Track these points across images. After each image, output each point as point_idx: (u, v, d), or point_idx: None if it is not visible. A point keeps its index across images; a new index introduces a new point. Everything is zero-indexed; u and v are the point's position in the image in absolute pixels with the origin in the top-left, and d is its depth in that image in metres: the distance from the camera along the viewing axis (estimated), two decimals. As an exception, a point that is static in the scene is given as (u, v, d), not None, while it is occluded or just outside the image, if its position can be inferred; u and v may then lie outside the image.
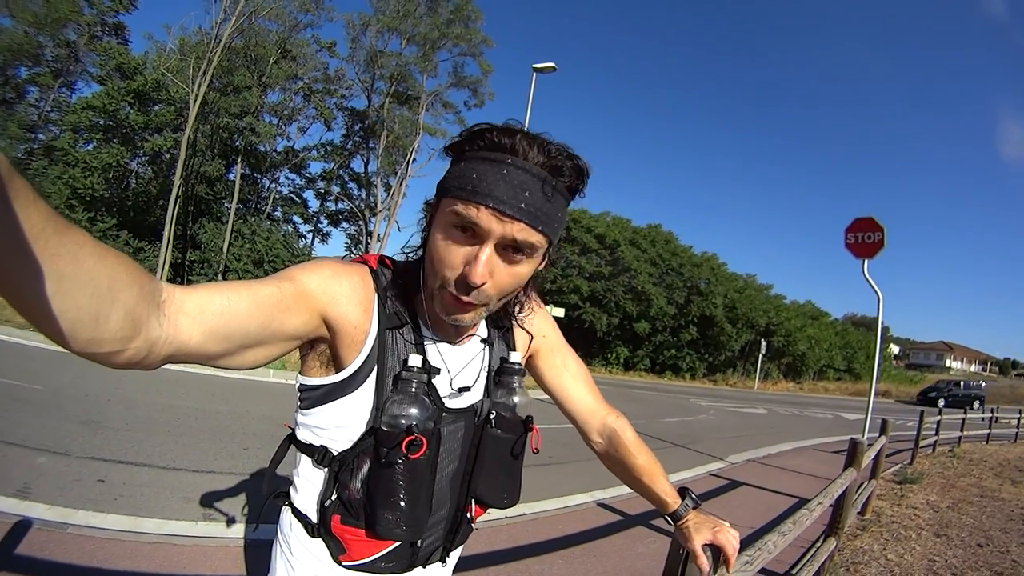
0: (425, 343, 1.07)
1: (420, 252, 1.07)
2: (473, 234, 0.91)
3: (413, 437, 0.95)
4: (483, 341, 1.18)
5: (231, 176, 28.44)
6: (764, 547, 1.93)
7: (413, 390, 0.99)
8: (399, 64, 29.23)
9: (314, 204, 34.69)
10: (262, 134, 27.26)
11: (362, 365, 1.00)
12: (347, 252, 34.86)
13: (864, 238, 7.99)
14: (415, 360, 0.99)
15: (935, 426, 12.27)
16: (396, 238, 30.32)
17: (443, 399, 1.07)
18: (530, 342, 1.28)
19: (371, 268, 1.06)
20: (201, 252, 24.67)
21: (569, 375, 1.36)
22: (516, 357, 1.19)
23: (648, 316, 32.07)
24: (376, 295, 1.03)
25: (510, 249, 0.92)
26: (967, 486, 8.80)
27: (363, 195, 33.56)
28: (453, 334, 1.11)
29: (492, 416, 1.14)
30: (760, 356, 34.71)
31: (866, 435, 7.67)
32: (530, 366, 1.32)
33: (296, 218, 34.15)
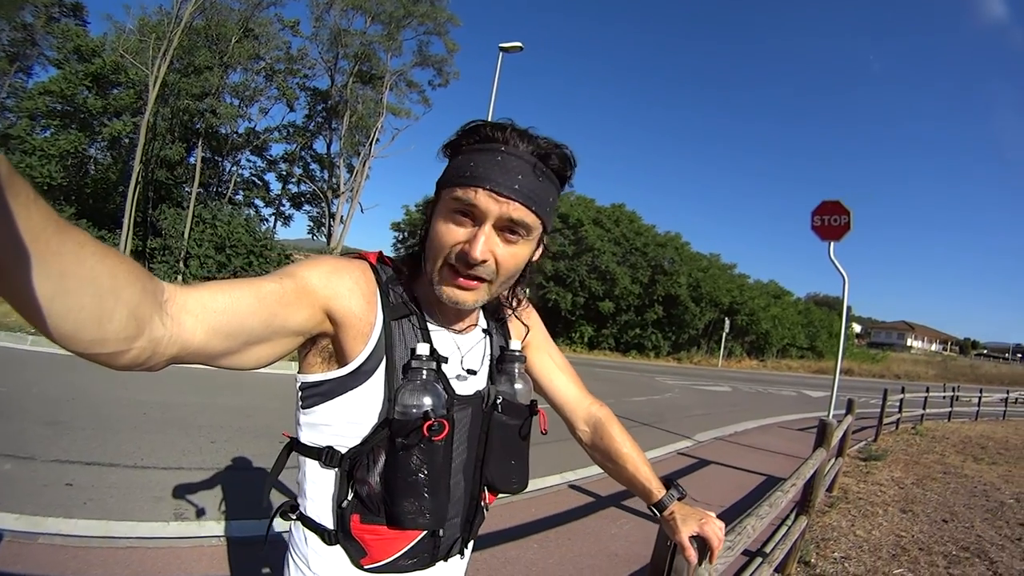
0: (431, 332, 1.09)
1: (419, 245, 1.11)
2: (472, 216, 0.98)
3: (433, 421, 0.97)
4: (484, 331, 1.22)
5: (191, 160, 27.61)
6: (744, 531, 1.99)
7: (424, 378, 1.01)
8: (363, 43, 28.72)
9: (276, 187, 33.86)
10: (223, 116, 26.58)
11: (370, 356, 1.01)
12: (311, 235, 34.45)
13: (830, 221, 8.12)
14: (423, 349, 1.02)
15: (898, 404, 12.57)
16: (359, 220, 30.21)
17: (452, 387, 1.09)
18: (526, 334, 1.32)
19: (371, 263, 1.08)
20: (162, 239, 23.99)
21: (556, 367, 1.41)
22: (516, 345, 1.24)
23: (613, 295, 32.02)
24: (378, 288, 1.05)
25: (507, 230, 0.99)
26: (930, 463, 9.07)
27: (325, 176, 32.97)
28: (455, 322, 1.14)
29: (499, 402, 1.17)
30: (724, 334, 35.08)
31: (832, 413, 7.83)
32: None
33: (258, 201, 33.26)
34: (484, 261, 0.98)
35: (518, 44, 16.78)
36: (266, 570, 3.22)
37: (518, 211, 0.97)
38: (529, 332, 1.33)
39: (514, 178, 0.96)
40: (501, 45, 16.86)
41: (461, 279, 1.00)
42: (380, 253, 1.13)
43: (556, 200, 1.07)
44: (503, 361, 1.22)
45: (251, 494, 4.25)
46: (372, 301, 1.02)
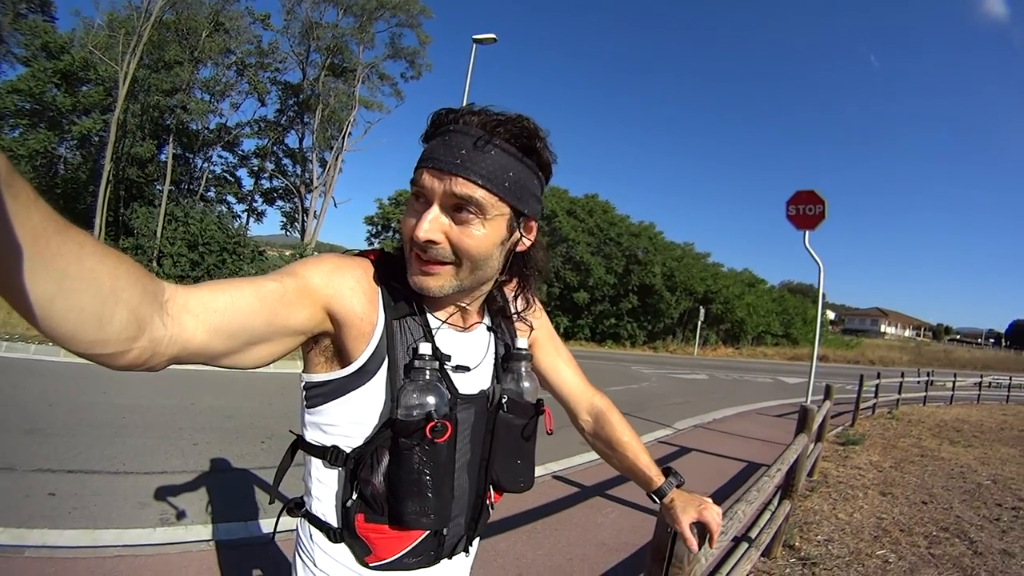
0: (433, 331, 1.08)
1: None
2: (425, 200, 0.98)
3: (435, 422, 0.96)
4: (489, 329, 1.21)
5: (162, 157, 27.15)
6: (735, 516, 2.05)
7: (427, 378, 1.00)
8: (335, 36, 28.49)
9: (248, 182, 33.42)
10: (194, 111, 26.22)
11: (371, 356, 1.01)
12: (284, 230, 34.07)
13: (805, 210, 8.19)
14: (425, 348, 1.01)
15: (874, 389, 12.76)
16: (332, 214, 29.87)
17: (456, 386, 1.08)
18: (530, 333, 1.31)
19: (372, 261, 1.08)
20: (134, 238, 23.59)
21: (562, 362, 1.43)
22: (523, 343, 1.22)
23: (587, 286, 32.04)
24: (380, 287, 1.04)
25: (456, 208, 0.96)
26: (907, 446, 9.24)
27: (298, 171, 32.62)
28: (459, 320, 1.13)
29: (504, 401, 1.16)
30: (699, 323, 35.39)
31: (809, 399, 7.95)
32: None
33: (230, 197, 32.77)
34: (431, 241, 0.96)
35: (492, 36, 16.69)
36: (257, 572, 3.21)
37: (461, 186, 0.94)
38: (535, 329, 1.32)
39: (456, 153, 0.94)
40: (475, 37, 16.77)
41: (423, 264, 0.99)
42: (382, 251, 1.13)
43: (523, 175, 1.01)
44: (509, 359, 1.21)
45: (236, 496, 4.23)
46: (374, 300, 1.02)
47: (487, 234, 0.99)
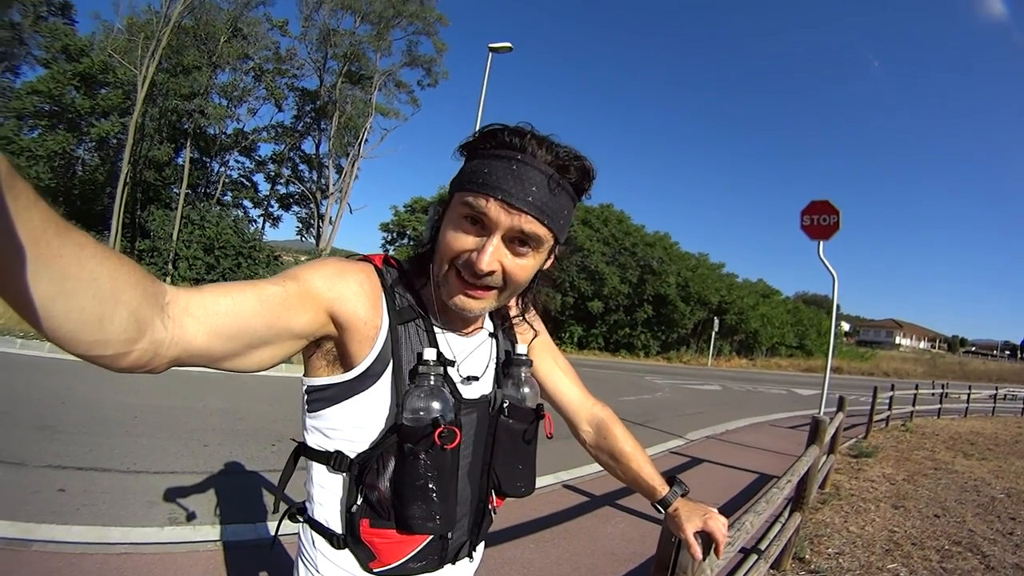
0: (437, 335, 1.08)
1: (428, 246, 1.08)
2: (482, 225, 0.96)
3: (443, 428, 0.96)
4: (490, 334, 1.21)
5: (180, 160, 27.45)
6: (743, 527, 2.02)
7: (432, 383, 1.00)
8: (352, 43, 28.69)
9: (264, 187, 33.63)
10: (211, 116, 26.44)
11: (376, 360, 1.00)
12: (299, 236, 34.27)
13: (820, 220, 8.10)
14: (430, 353, 1.01)
15: (888, 401, 12.63)
16: (348, 221, 30.16)
17: (459, 391, 1.08)
18: (533, 336, 1.31)
19: (376, 266, 1.07)
20: (150, 240, 23.81)
21: (559, 371, 1.41)
22: (523, 349, 1.22)
23: (602, 295, 32.00)
24: (383, 291, 1.04)
25: (517, 241, 0.97)
26: (921, 459, 9.13)
27: (314, 177, 32.80)
28: (461, 326, 1.13)
29: (505, 406, 1.16)
30: (713, 334, 35.27)
31: (823, 410, 7.87)
32: None
33: (246, 202, 33.03)
34: (491, 272, 0.96)
35: (508, 44, 16.68)
36: (263, 574, 3.21)
37: (530, 224, 0.94)
38: (535, 336, 1.32)
39: (528, 189, 0.93)
40: (491, 45, 16.77)
41: (469, 288, 0.99)
42: (386, 255, 1.13)
43: (571, 213, 1.03)
44: (509, 365, 1.20)
45: (245, 498, 4.24)
46: (377, 305, 1.02)
47: (535, 263, 1.02)
